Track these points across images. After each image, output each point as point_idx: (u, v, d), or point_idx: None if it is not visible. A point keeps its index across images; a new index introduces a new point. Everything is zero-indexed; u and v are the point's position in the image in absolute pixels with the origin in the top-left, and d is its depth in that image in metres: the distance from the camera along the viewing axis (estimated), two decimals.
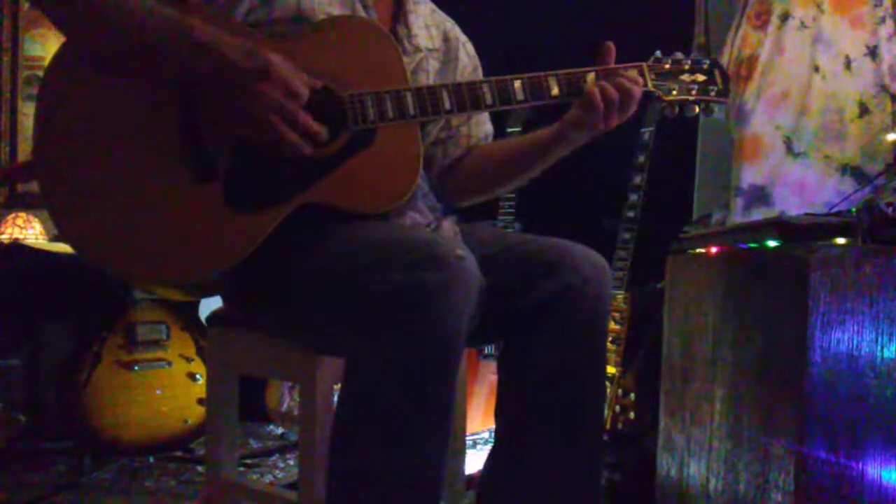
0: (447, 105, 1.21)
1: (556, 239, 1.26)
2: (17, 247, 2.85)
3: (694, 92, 1.30)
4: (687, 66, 1.31)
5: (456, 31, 1.47)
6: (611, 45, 1.27)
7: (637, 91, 1.24)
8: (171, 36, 1.08)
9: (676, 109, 1.31)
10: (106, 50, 1.13)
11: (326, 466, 1.06)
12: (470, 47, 1.49)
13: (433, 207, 1.40)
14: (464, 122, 1.47)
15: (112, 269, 1.16)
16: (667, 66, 1.30)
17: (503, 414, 1.26)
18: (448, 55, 1.44)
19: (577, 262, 1.20)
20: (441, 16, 1.47)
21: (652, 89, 1.28)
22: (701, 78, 1.31)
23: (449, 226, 1.33)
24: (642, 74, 1.28)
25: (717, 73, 1.32)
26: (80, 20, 1.11)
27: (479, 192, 1.49)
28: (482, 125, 1.50)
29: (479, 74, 1.49)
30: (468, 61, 1.47)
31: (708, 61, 1.32)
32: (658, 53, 1.31)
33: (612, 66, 1.26)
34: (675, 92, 1.30)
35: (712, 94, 1.31)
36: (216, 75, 1.09)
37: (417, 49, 1.37)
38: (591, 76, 1.25)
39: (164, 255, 1.14)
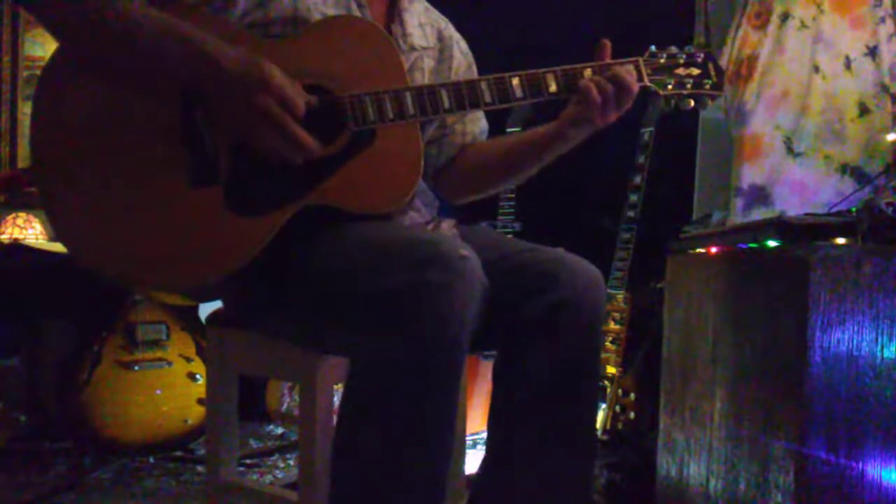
0: (446, 104, 1.21)
1: (552, 249, 1.26)
2: (17, 247, 2.85)
3: (689, 86, 1.31)
4: (682, 61, 1.32)
5: (450, 30, 1.47)
6: (607, 42, 1.28)
7: (632, 82, 1.24)
8: (166, 44, 1.07)
9: (672, 103, 1.32)
10: (100, 56, 1.12)
11: (330, 467, 1.06)
12: (464, 45, 1.49)
13: (431, 205, 1.40)
14: (458, 120, 1.47)
15: (108, 274, 1.14)
16: (662, 60, 1.31)
17: (495, 425, 1.25)
18: (443, 53, 1.44)
19: (573, 275, 1.19)
20: (435, 14, 1.47)
21: (648, 84, 1.29)
22: (695, 72, 1.32)
23: (448, 227, 1.33)
24: (638, 69, 1.28)
25: (710, 66, 1.33)
26: (73, 27, 1.09)
27: (475, 190, 1.48)
28: (477, 122, 1.49)
29: (474, 71, 1.49)
30: (462, 59, 1.47)
31: (702, 54, 1.33)
32: (653, 48, 1.32)
33: (609, 61, 1.27)
34: (670, 86, 1.31)
35: (707, 87, 1.32)
36: (213, 84, 1.08)
37: (412, 48, 1.36)
38: (587, 72, 1.26)
39: (162, 260, 1.12)
